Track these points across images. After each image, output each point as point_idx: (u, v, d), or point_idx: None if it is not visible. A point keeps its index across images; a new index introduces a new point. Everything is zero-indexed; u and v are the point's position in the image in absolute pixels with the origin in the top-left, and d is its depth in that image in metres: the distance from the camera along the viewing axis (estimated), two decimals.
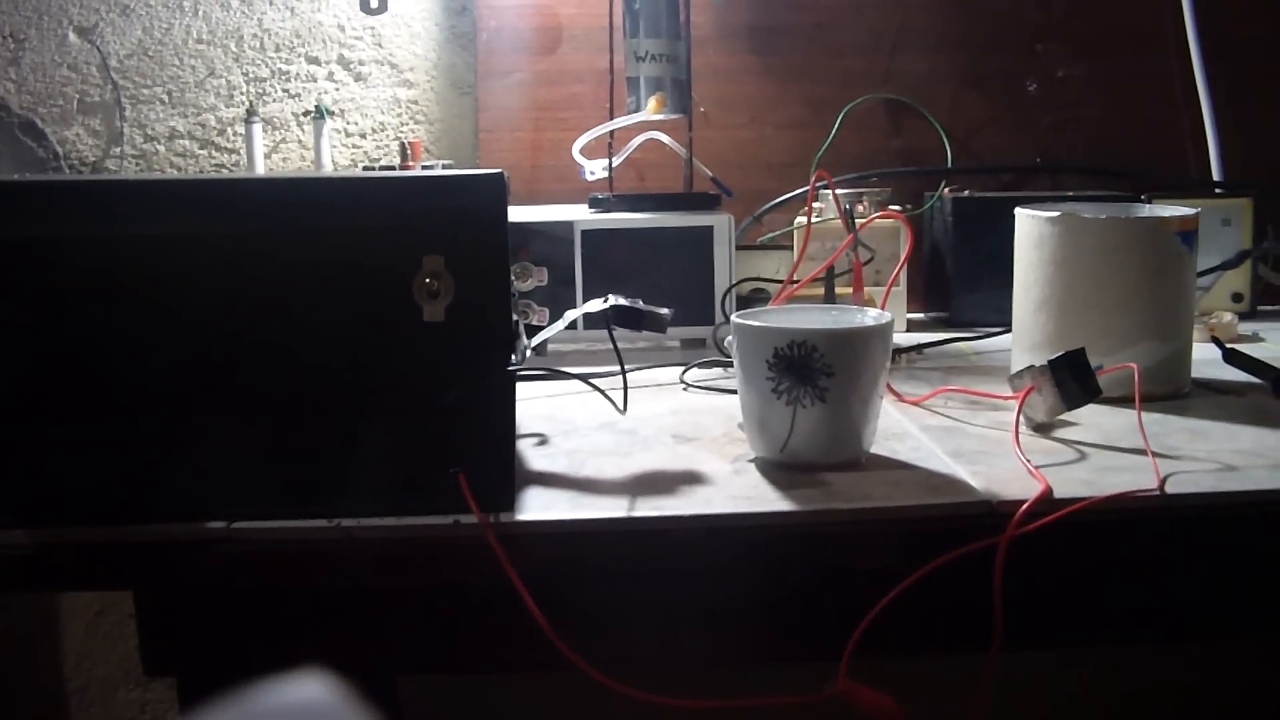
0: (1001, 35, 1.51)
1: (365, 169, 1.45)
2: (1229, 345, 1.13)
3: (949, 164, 1.49)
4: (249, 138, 1.43)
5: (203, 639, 0.82)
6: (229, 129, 1.48)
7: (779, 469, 0.86)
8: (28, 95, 1.46)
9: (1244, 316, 1.37)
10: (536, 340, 0.96)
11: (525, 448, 0.93)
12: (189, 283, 0.76)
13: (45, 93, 1.46)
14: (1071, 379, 0.93)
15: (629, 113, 1.33)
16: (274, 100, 1.48)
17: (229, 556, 0.76)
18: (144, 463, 0.77)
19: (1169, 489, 0.81)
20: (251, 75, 1.47)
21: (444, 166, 1.37)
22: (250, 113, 1.43)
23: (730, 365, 0.94)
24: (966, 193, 1.43)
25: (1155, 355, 1.02)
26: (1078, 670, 1.58)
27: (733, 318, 0.88)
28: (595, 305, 0.95)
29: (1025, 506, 0.78)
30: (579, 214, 1.29)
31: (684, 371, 1.17)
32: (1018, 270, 1.07)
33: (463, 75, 1.50)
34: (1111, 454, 0.89)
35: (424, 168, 1.38)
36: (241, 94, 1.48)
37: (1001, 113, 1.51)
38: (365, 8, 1.45)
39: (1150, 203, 1.24)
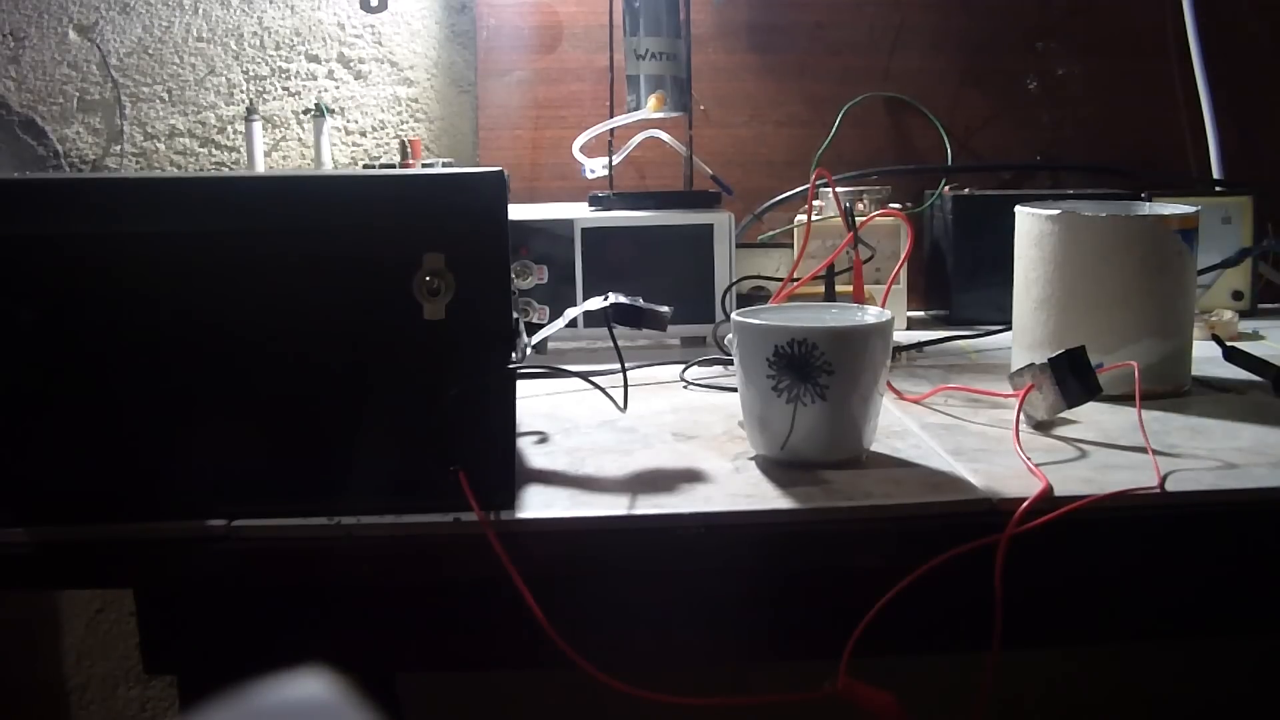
0: (1001, 33, 1.51)
1: (365, 167, 1.45)
2: (1229, 343, 1.13)
3: (949, 162, 1.49)
4: (249, 136, 1.43)
5: (203, 637, 0.82)
6: (229, 127, 1.48)
7: (779, 467, 0.86)
8: (28, 93, 1.46)
9: (1244, 314, 1.37)
10: (537, 338, 0.96)
11: (525, 445, 0.93)
12: (189, 281, 0.76)
13: (45, 91, 1.46)
14: (1072, 377, 0.93)
15: (629, 111, 1.33)
16: (274, 98, 1.48)
17: (229, 554, 0.76)
18: (144, 461, 0.77)
19: (1169, 487, 0.81)
20: (251, 73, 1.47)
21: (444, 164, 1.37)
22: (250, 111, 1.43)
23: (730, 363, 0.94)
24: (966, 191, 1.43)
25: (1155, 353, 1.02)
26: (1078, 668, 1.58)
27: (733, 316, 0.88)
28: (595, 303, 0.95)
29: (1026, 504, 0.78)
30: (579, 212, 1.29)
31: (684, 369, 1.17)
32: (1018, 268, 1.07)
33: (463, 73, 1.50)
34: (1112, 452, 0.89)
35: (424, 166, 1.38)
36: (241, 92, 1.48)
37: (1001, 111, 1.51)
38: (365, 6, 1.44)
39: (1150, 201, 1.24)
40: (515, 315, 0.84)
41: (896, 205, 1.37)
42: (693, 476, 0.85)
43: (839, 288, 1.25)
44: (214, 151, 1.48)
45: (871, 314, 0.90)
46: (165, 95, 1.47)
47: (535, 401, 1.05)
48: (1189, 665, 1.58)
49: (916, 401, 1.04)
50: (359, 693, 0.35)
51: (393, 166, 1.36)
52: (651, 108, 1.30)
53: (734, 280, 1.26)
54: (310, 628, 0.82)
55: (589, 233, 1.26)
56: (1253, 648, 1.58)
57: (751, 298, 1.33)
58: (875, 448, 0.90)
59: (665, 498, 0.80)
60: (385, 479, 0.78)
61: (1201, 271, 1.19)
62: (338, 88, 1.48)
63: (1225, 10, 1.50)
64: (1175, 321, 1.04)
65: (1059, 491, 0.80)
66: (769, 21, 1.49)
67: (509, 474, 0.80)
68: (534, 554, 0.76)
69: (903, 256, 1.22)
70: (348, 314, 0.77)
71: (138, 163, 1.48)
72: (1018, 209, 1.07)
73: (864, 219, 1.26)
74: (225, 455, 0.77)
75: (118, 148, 1.47)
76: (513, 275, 1.03)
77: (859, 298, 1.17)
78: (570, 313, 0.98)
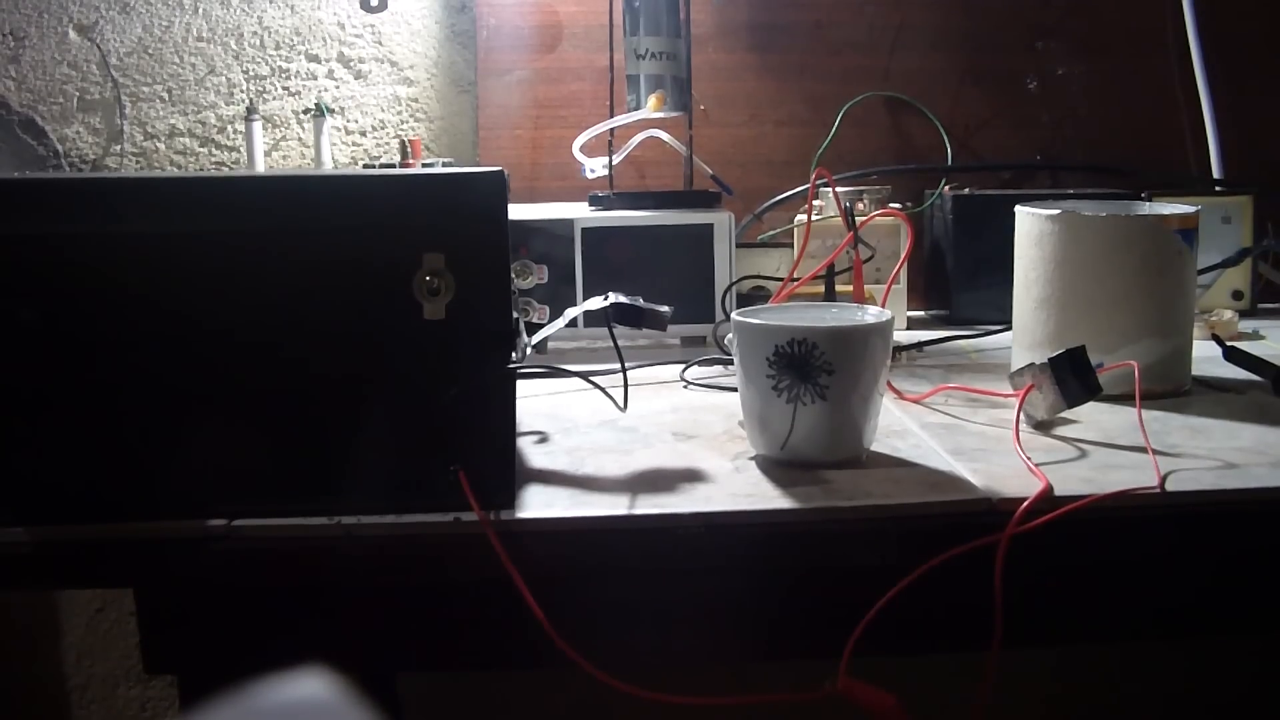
0: (1001, 33, 1.51)
1: (365, 167, 1.45)
2: (1229, 343, 1.13)
3: (949, 162, 1.49)
4: (249, 135, 1.43)
5: (203, 636, 0.82)
6: (229, 126, 1.48)
7: (779, 467, 0.86)
8: (28, 93, 1.46)
9: (1244, 314, 1.37)
10: (537, 338, 0.96)
11: (526, 445, 0.93)
12: (189, 280, 0.76)
13: (45, 90, 1.46)
14: (1072, 376, 0.93)
15: (629, 110, 1.33)
16: (274, 98, 1.48)
17: (229, 554, 0.76)
18: (144, 460, 0.77)
19: (1169, 486, 0.81)
20: (252, 73, 1.47)
21: (444, 164, 1.37)
22: (250, 110, 1.43)
23: (731, 363, 0.94)
24: (967, 190, 1.43)
25: (1155, 353, 1.02)
26: (1078, 668, 1.58)
27: (733, 315, 0.88)
28: (595, 303, 0.95)
29: (1025, 504, 0.78)
30: (579, 212, 1.29)
31: (684, 369, 1.17)
32: (1018, 268, 1.07)
33: (463, 73, 1.50)
34: (1112, 451, 0.89)
35: (424, 165, 1.38)
36: (242, 92, 1.48)
37: (1001, 110, 1.51)
38: (365, 5, 1.44)
39: (1150, 200, 1.24)
40: (515, 315, 0.84)
41: (896, 205, 1.37)
42: (693, 476, 0.85)
43: (839, 287, 1.25)
44: (214, 151, 1.48)
45: (871, 314, 0.90)
46: (165, 95, 1.47)
47: (535, 401, 1.05)
48: (1189, 665, 1.58)
49: (916, 401, 1.04)
50: (359, 693, 0.35)
51: (393, 166, 1.36)
52: (651, 107, 1.30)
53: (734, 280, 1.26)
54: (310, 628, 0.82)
55: (589, 232, 1.26)
56: (1253, 648, 1.58)
57: (751, 297, 1.33)
58: (875, 447, 0.90)
59: (665, 497, 0.80)
60: (385, 479, 0.78)
61: (1201, 271, 1.19)
62: (338, 87, 1.48)
63: (1225, 10, 1.50)
64: (1175, 321, 1.04)
65: (1059, 491, 0.80)
66: (769, 21, 1.49)
67: (509, 474, 0.80)
68: (534, 554, 0.76)
69: (903, 256, 1.22)
70: (348, 314, 0.77)
71: (138, 162, 1.48)
72: (1018, 209, 1.07)
73: (864, 219, 1.26)
74: (225, 455, 0.77)
75: (118, 147, 1.47)
76: (513, 275, 1.03)
77: (859, 297, 1.17)
78: (570, 312, 0.98)
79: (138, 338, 0.76)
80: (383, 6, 1.45)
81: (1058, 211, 1.03)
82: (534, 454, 0.91)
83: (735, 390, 0.90)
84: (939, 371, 1.16)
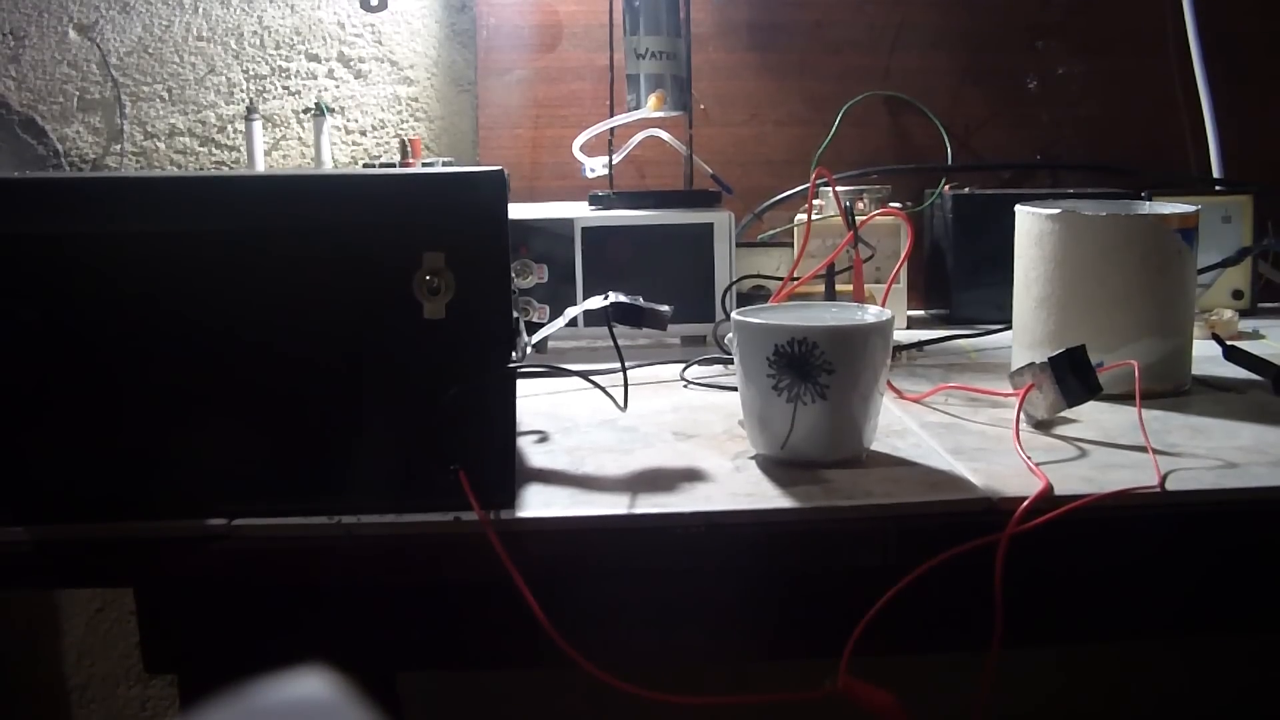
0: (1001, 32, 1.51)
1: (365, 166, 1.45)
2: (1229, 342, 1.13)
3: (949, 161, 1.49)
4: (249, 135, 1.43)
5: (203, 636, 0.82)
6: (229, 126, 1.48)
7: (780, 466, 0.86)
8: (28, 92, 1.46)
9: (1244, 313, 1.37)
10: (537, 337, 0.96)
11: (526, 445, 0.93)
12: (189, 280, 0.76)
13: (45, 90, 1.46)
14: (1072, 376, 0.93)
15: (629, 110, 1.33)
16: (274, 97, 1.48)
17: (229, 553, 0.76)
18: (144, 459, 0.77)
19: (1169, 486, 0.81)
20: (252, 72, 1.47)
21: (444, 164, 1.37)
22: (250, 110, 1.43)
23: (731, 362, 0.94)
24: (967, 190, 1.43)
25: (1156, 352, 1.02)
26: (1078, 667, 1.58)
27: (733, 315, 0.88)
28: (595, 302, 0.95)
29: (1026, 503, 0.78)
30: (579, 211, 1.29)
31: (684, 368, 1.17)
32: (1018, 267, 1.07)
33: (463, 72, 1.50)
34: (1112, 451, 0.89)
35: (424, 165, 1.38)
36: (242, 91, 1.48)
37: (1002, 110, 1.51)
38: (365, 5, 1.44)
39: (1150, 200, 1.24)
40: (515, 314, 0.84)
41: (896, 204, 1.37)
42: (693, 475, 0.85)
43: (839, 287, 1.25)
44: (214, 151, 1.48)
45: (872, 313, 0.90)
46: (165, 94, 1.47)
47: (535, 400, 1.05)
48: (1189, 665, 1.58)
49: (916, 400, 1.04)
50: (359, 692, 0.35)
51: (393, 166, 1.36)
52: (651, 107, 1.30)
53: (734, 279, 1.26)
54: (310, 626, 0.82)
55: (589, 232, 1.26)
56: (1252, 647, 1.58)
57: (751, 297, 1.33)
58: (875, 447, 0.90)
59: (665, 497, 0.80)
60: (385, 478, 0.78)
61: (1202, 271, 1.19)
62: (338, 87, 1.48)
63: (1225, 10, 1.50)
64: (1175, 320, 1.04)
65: (1059, 491, 0.80)
66: (769, 20, 1.49)
67: (509, 473, 0.80)
68: (534, 553, 0.76)
69: (903, 255, 1.22)
70: (348, 313, 0.77)
71: (138, 162, 1.48)
72: (1018, 208, 1.07)
73: (864, 218, 1.26)
74: (225, 454, 0.77)
75: (118, 147, 1.47)
76: (513, 274, 1.03)
77: (859, 297, 1.17)
78: (570, 312, 0.98)
79: (138, 337, 0.76)
80: (383, 6, 1.45)
81: (1058, 211, 1.03)
82: (534, 453, 0.91)
83: (735, 390, 0.90)
84: (939, 371, 1.16)
